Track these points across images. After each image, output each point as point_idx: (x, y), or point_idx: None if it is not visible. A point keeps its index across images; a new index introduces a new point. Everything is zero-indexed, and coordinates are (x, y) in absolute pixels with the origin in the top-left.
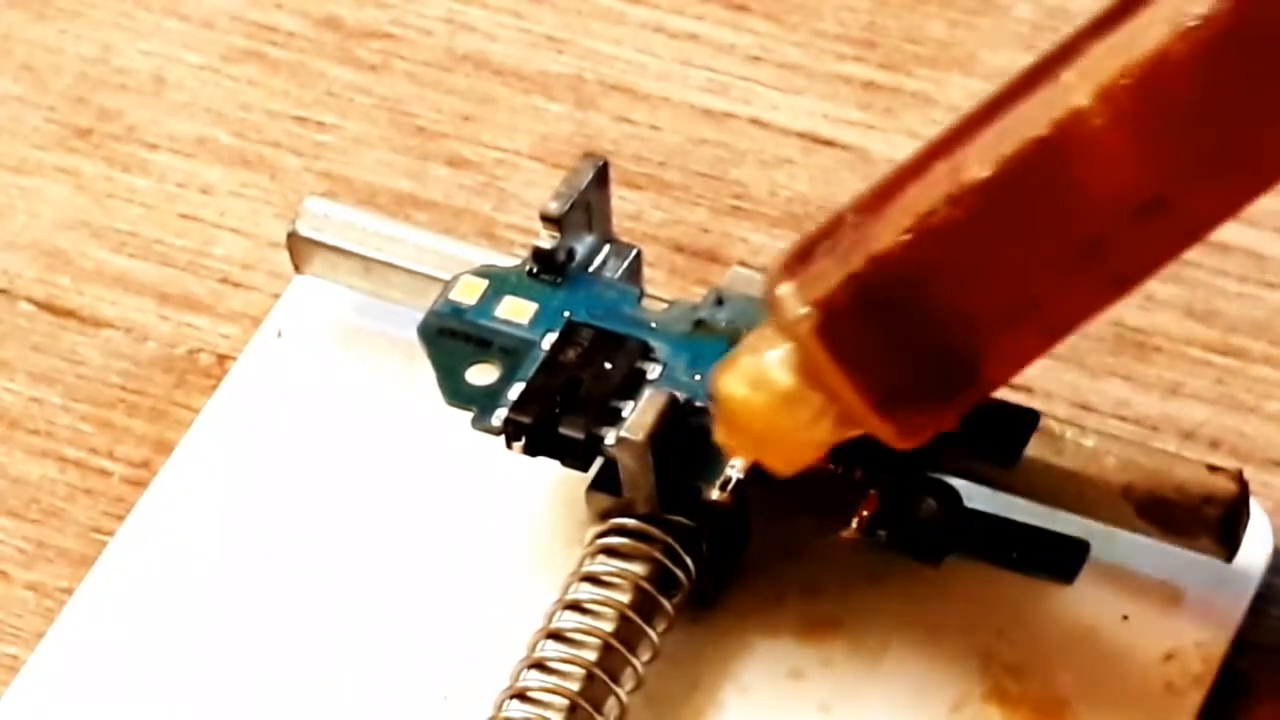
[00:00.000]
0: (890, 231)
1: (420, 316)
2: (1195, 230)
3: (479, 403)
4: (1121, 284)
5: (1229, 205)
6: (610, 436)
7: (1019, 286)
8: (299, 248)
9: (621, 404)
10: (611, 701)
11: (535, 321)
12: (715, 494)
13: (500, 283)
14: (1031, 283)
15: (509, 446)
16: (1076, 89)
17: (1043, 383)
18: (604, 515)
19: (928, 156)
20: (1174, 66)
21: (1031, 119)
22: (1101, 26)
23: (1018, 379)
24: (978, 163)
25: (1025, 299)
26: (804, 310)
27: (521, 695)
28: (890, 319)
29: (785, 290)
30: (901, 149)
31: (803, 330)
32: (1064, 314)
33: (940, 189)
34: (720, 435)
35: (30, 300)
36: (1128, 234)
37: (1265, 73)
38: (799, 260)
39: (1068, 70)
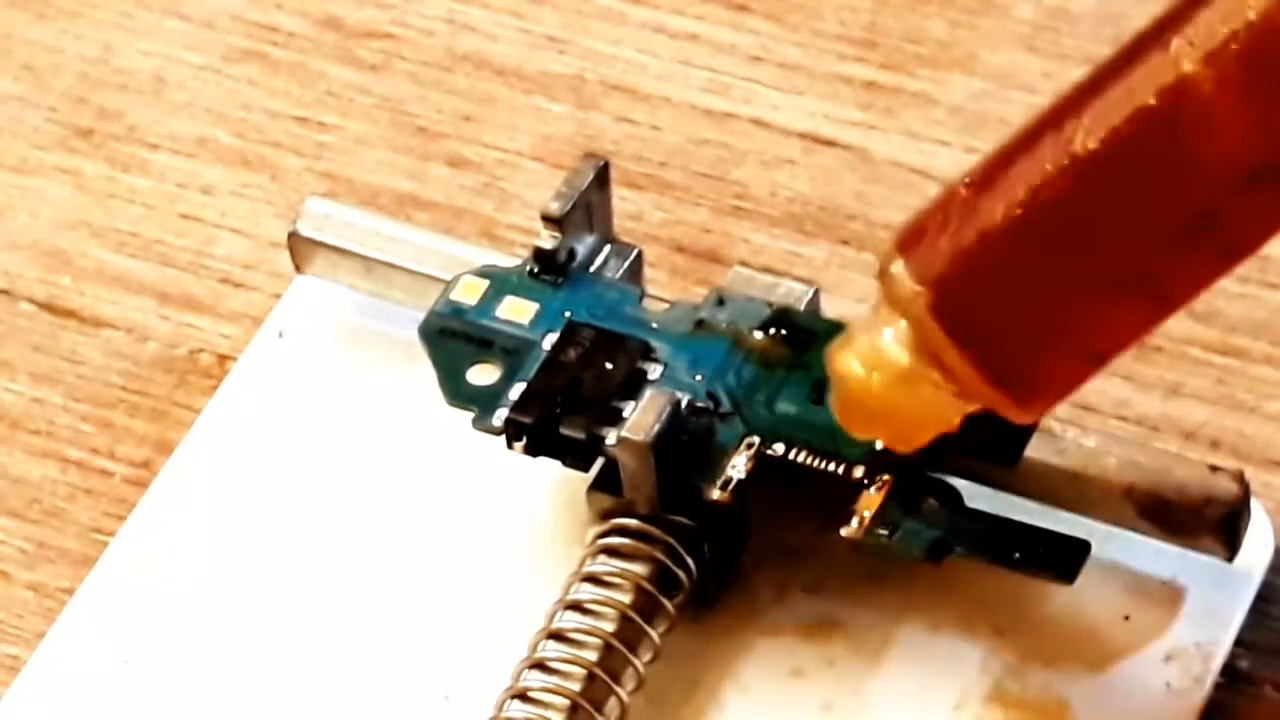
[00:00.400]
0: (1001, 206)
1: (421, 317)
2: None
3: (480, 403)
4: (1233, 254)
5: None
6: (611, 437)
7: (1131, 259)
8: (300, 248)
9: (622, 404)
10: (613, 702)
11: (536, 322)
12: (716, 494)
13: (501, 283)
14: (1143, 255)
15: (510, 447)
16: (1184, 56)
17: None
18: (605, 515)
19: (1037, 128)
20: (1275, 22)
21: (1139, 88)
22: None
23: None
24: (1087, 134)
25: (1137, 271)
26: (918, 288)
27: (523, 695)
28: (1004, 294)
29: (898, 268)
30: (902, 149)
31: (917, 308)
32: (1176, 286)
33: (1050, 162)
34: (838, 415)
35: (31, 300)
36: (1239, 203)
37: None
38: (911, 237)
39: (1175, 37)
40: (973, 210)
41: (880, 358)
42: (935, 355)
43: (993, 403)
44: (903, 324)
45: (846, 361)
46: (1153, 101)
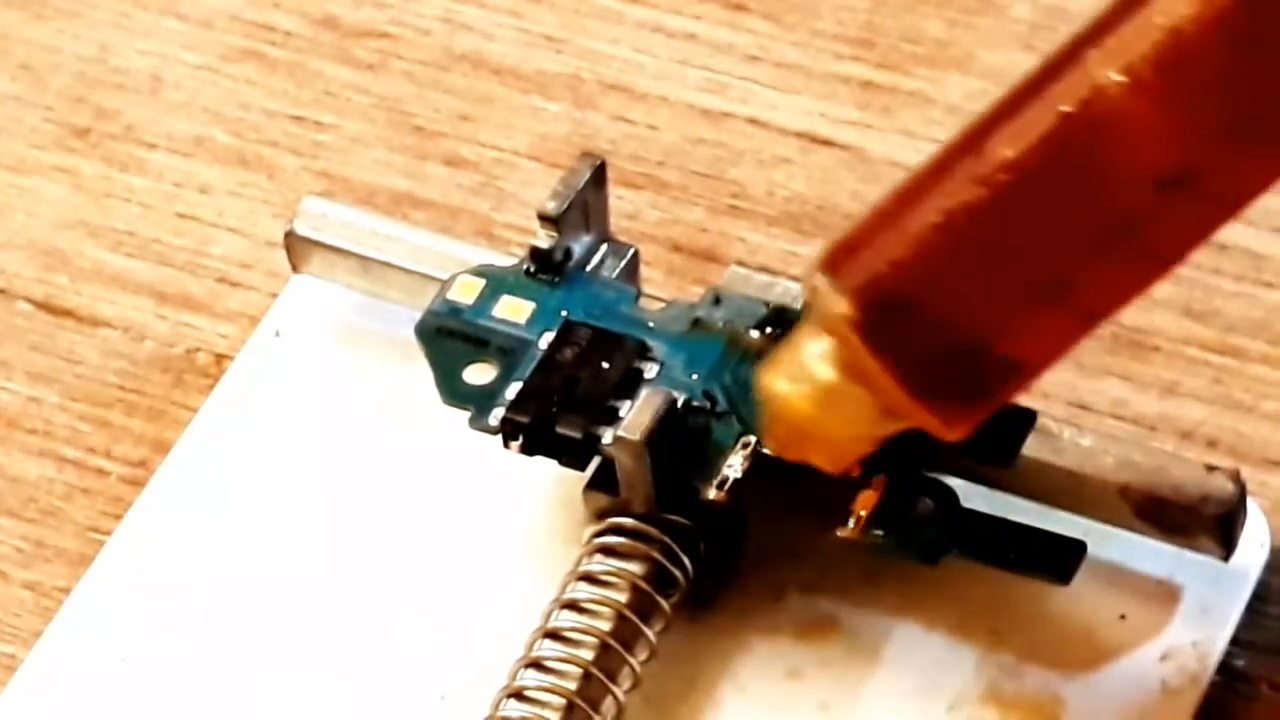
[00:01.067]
0: (922, 220)
1: (418, 316)
2: (1226, 205)
3: (476, 402)
4: (1157, 262)
5: (1258, 179)
6: (608, 436)
7: (1049, 266)
8: (297, 247)
9: (619, 403)
10: (609, 701)
11: (533, 321)
12: (713, 493)
13: (498, 282)
14: (1061, 261)
15: (506, 446)
16: (1098, 64)
17: (1040, 382)
18: (601, 514)
19: (957, 143)
20: (1194, 37)
21: (1055, 97)
22: (1122, 7)
23: None
24: (1002, 143)
25: (1056, 278)
26: (843, 304)
27: (519, 694)
28: (927, 309)
29: (823, 285)
30: (899, 149)
31: (841, 325)
32: (1100, 294)
33: (968, 173)
34: (766, 435)
35: (28, 300)
36: (1155, 209)
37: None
38: (838, 255)
39: (1091, 49)
40: (895, 226)
41: (806, 375)
42: (860, 372)
43: (918, 419)
44: (829, 341)
45: (773, 379)
46: (1066, 108)
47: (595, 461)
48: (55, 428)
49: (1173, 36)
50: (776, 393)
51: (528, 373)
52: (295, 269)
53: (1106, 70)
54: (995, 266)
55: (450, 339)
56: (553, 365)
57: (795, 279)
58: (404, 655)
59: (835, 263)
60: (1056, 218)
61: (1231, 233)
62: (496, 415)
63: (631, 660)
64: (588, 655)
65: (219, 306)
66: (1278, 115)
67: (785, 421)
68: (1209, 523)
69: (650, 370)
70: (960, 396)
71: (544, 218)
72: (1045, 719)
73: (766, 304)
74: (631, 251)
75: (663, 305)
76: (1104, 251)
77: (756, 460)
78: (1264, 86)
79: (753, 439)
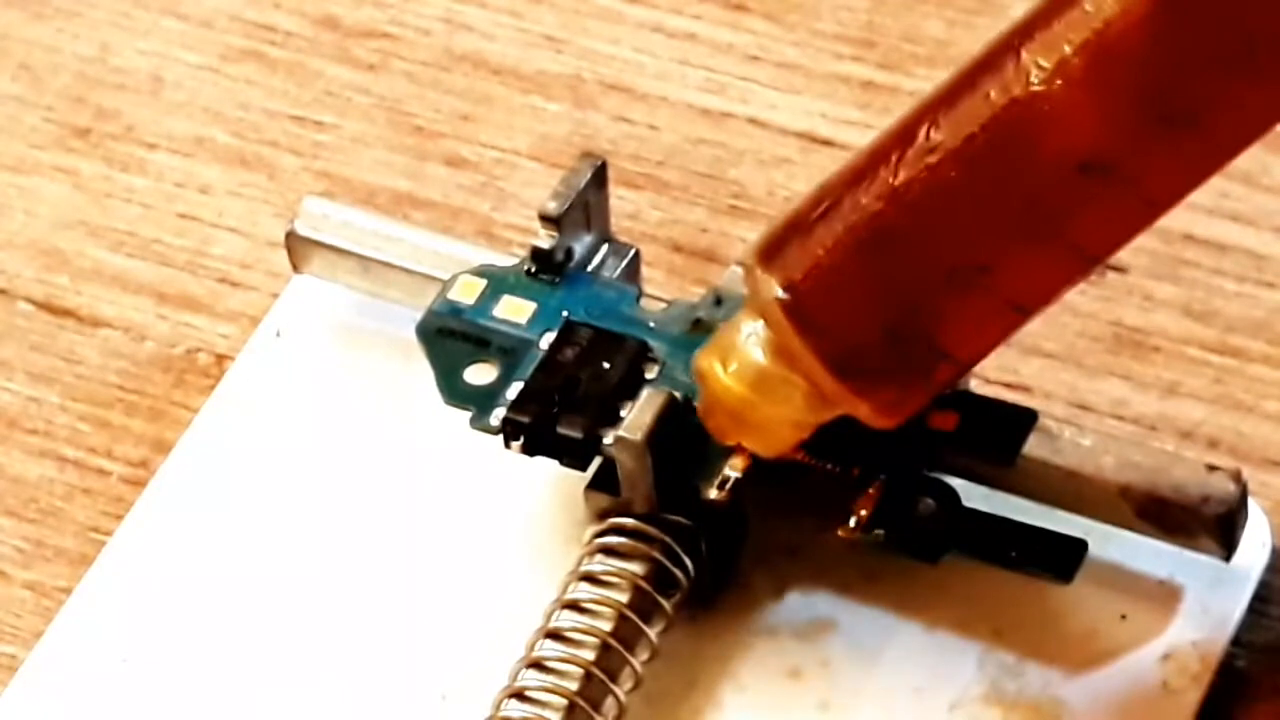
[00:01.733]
0: (853, 205)
1: (419, 316)
2: (1146, 199)
3: (477, 402)
4: (1078, 254)
5: (1177, 172)
6: (609, 436)
7: (972, 250)
8: (297, 247)
9: (620, 404)
10: (610, 701)
11: (534, 321)
12: (713, 493)
13: (498, 282)
14: (983, 246)
15: (507, 446)
16: (1027, 53)
17: (1041, 382)
18: (602, 515)
19: (890, 133)
20: (1120, 28)
21: (984, 84)
22: (1053, 2)
23: (1015, 378)
24: (930, 129)
25: (978, 263)
26: (775, 289)
27: (520, 695)
28: (855, 292)
29: (757, 270)
30: None
31: (773, 309)
32: (1022, 284)
33: (897, 159)
34: (701, 415)
35: (29, 300)
36: (1077, 194)
37: (1202, 36)
38: (772, 241)
39: (1020, 39)
40: (827, 212)
41: (739, 358)
42: (790, 354)
43: (848, 404)
44: (762, 325)
45: (708, 360)
46: (996, 95)
47: (596, 462)
48: (56, 428)
49: (1100, 27)
50: (710, 373)
51: (529, 373)
52: (296, 269)
53: (1035, 57)
54: (920, 250)
55: (451, 339)
56: (554, 365)
57: None
58: (404, 655)
59: (770, 249)
60: (980, 201)
61: (1232, 233)
62: (497, 415)
63: (632, 660)
64: (589, 655)
65: (219, 307)
66: (1194, 106)
67: (719, 402)
68: (1210, 523)
69: (651, 370)
70: (886, 382)
71: (545, 218)
72: (1046, 719)
73: None
74: (632, 252)
75: (664, 305)
76: (1025, 237)
77: (756, 460)
78: (1183, 78)
79: None
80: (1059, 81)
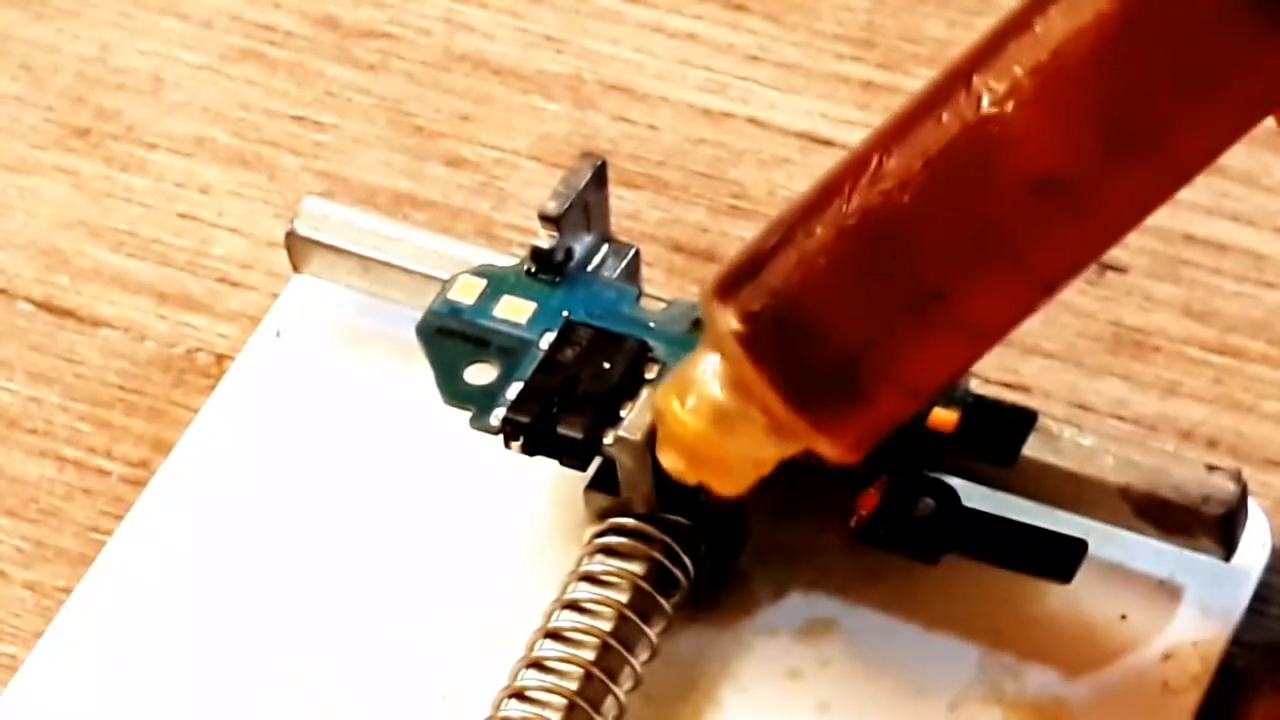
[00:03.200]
0: (807, 235)
1: (419, 316)
2: (1099, 221)
3: (477, 402)
4: (1032, 278)
5: (1128, 194)
6: (609, 436)
7: (925, 275)
8: (297, 247)
9: (620, 404)
10: (610, 701)
11: (533, 321)
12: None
13: (498, 282)
14: (937, 271)
15: (507, 446)
16: (980, 76)
17: (1041, 382)
18: (602, 515)
19: (845, 162)
20: (1072, 50)
21: (936, 108)
22: (1006, 27)
23: (1015, 378)
24: (882, 155)
25: (932, 289)
26: (730, 320)
27: (520, 695)
28: (810, 322)
29: (714, 305)
30: None
31: (730, 343)
32: (978, 311)
33: (850, 187)
34: (660, 454)
35: (29, 300)
36: (1029, 215)
37: (1153, 57)
38: (728, 276)
39: (972, 64)
40: (783, 244)
41: (697, 392)
42: (748, 388)
43: (807, 439)
44: (719, 360)
45: (665, 399)
46: (948, 118)
47: (596, 462)
48: (56, 428)
49: (1051, 48)
50: (668, 409)
51: (529, 373)
52: (296, 269)
53: (987, 80)
54: (874, 277)
55: (451, 339)
56: (554, 365)
57: None
58: (404, 655)
59: (726, 282)
60: (933, 226)
61: (1232, 233)
62: (497, 415)
63: (632, 660)
64: (589, 655)
65: (220, 306)
66: (1147, 127)
67: (677, 440)
68: (1210, 523)
69: (651, 370)
70: (844, 413)
71: (545, 218)
72: (1046, 719)
73: None
74: (632, 251)
75: (664, 305)
76: (978, 261)
77: None
78: (1134, 99)
79: None
80: (1011, 104)
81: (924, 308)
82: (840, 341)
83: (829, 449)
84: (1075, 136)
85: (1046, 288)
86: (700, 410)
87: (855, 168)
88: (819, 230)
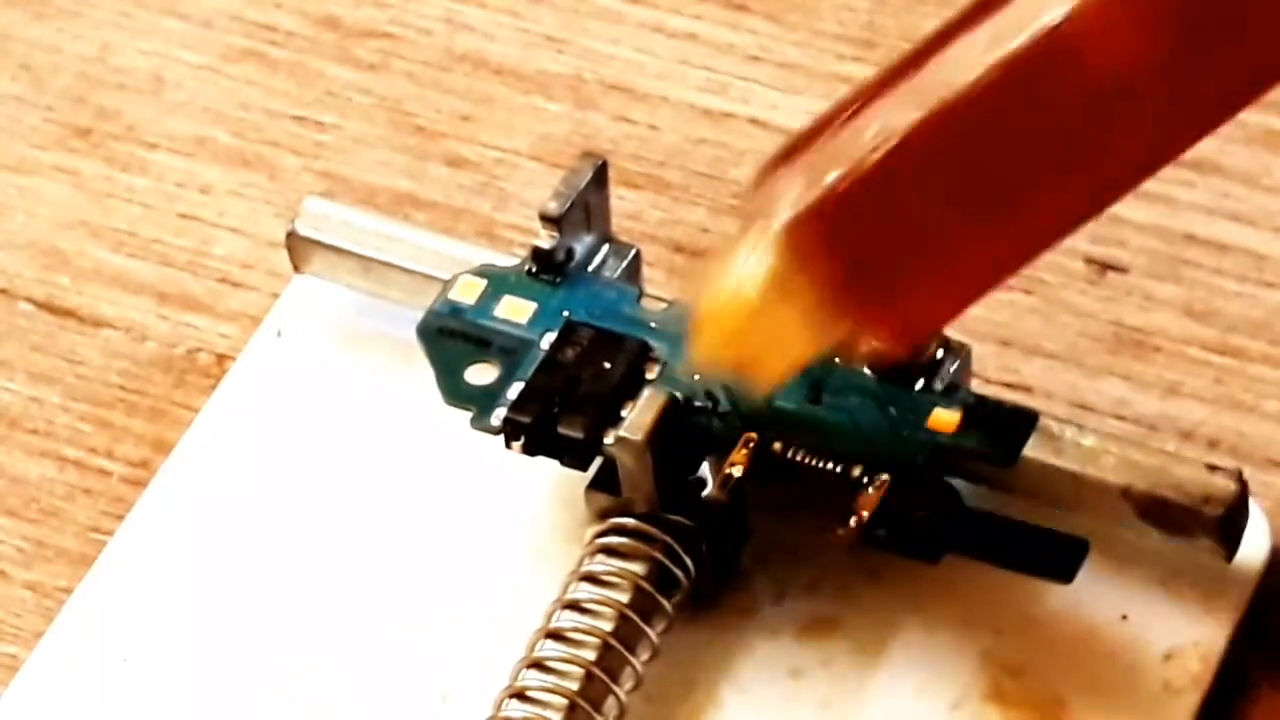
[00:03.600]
0: (863, 131)
1: (419, 316)
2: (1179, 122)
3: (478, 402)
4: (1098, 181)
5: (1220, 98)
6: (609, 436)
7: (996, 171)
8: (298, 247)
9: (621, 404)
10: (611, 701)
11: (534, 321)
12: (714, 493)
13: (499, 282)
14: (1010, 169)
15: (508, 446)
16: None
17: (1042, 382)
18: (603, 514)
19: (902, 60)
20: None
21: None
22: None
23: (1016, 378)
24: (974, 47)
25: (1003, 185)
26: (797, 192)
27: (521, 695)
28: (874, 207)
29: (762, 192)
30: None
31: (777, 228)
32: (1043, 212)
33: (902, 90)
34: (701, 345)
35: (29, 300)
36: (1096, 117)
37: None
38: (790, 151)
39: None
40: (832, 136)
41: (742, 277)
42: (802, 263)
43: (856, 318)
44: (768, 239)
45: (709, 278)
46: (1032, 18)
47: (597, 462)
48: (56, 428)
49: None
50: (711, 291)
51: (529, 373)
52: (297, 269)
53: None
54: (944, 175)
55: (452, 339)
56: (554, 365)
57: None
58: (405, 655)
59: (790, 157)
60: (1014, 123)
61: (1232, 233)
62: (498, 415)
63: (633, 660)
64: (590, 655)
65: (220, 307)
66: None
67: (721, 328)
68: (1211, 523)
69: (652, 370)
70: (898, 299)
71: (545, 218)
72: (1046, 719)
73: None
74: (633, 252)
75: (664, 305)
76: (1058, 161)
77: (758, 460)
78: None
79: (754, 438)
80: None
81: (993, 203)
82: (904, 231)
83: (878, 332)
84: (1163, 29)
85: (1109, 190)
86: (742, 288)
87: (908, 65)
88: (874, 124)
